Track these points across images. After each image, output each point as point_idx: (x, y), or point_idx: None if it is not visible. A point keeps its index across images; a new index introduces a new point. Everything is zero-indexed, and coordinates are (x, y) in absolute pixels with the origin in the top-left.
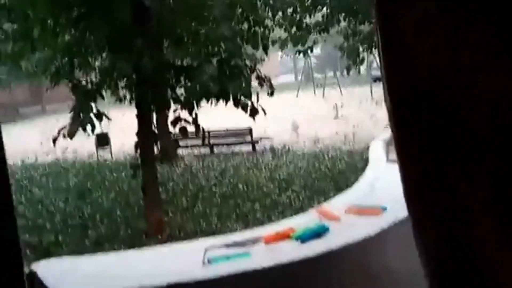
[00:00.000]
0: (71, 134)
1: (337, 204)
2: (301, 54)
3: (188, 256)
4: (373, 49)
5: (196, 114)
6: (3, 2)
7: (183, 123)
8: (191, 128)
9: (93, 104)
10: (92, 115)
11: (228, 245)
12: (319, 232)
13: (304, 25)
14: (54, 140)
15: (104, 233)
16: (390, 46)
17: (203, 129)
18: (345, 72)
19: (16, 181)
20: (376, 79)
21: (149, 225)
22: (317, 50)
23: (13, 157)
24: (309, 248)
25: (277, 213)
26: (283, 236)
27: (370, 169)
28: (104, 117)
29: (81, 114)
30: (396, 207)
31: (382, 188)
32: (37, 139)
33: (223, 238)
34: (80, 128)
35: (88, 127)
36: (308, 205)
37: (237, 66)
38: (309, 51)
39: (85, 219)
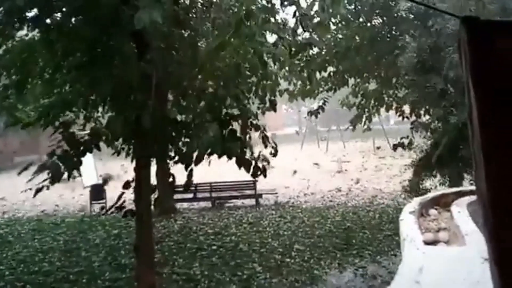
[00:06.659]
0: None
1: None
2: (305, 107)
3: None
4: (378, 106)
5: (191, 170)
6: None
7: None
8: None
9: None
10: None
11: None
12: None
13: (312, 80)
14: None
15: None
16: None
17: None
18: (346, 126)
19: None
20: (396, 147)
21: None
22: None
23: None
24: None
25: (280, 277)
26: None
27: (408, 257)
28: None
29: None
30: None
31: (430, 283)
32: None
33: None
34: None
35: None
36: (314, 268)
37: (240, 125)
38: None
39: (71, 281)
